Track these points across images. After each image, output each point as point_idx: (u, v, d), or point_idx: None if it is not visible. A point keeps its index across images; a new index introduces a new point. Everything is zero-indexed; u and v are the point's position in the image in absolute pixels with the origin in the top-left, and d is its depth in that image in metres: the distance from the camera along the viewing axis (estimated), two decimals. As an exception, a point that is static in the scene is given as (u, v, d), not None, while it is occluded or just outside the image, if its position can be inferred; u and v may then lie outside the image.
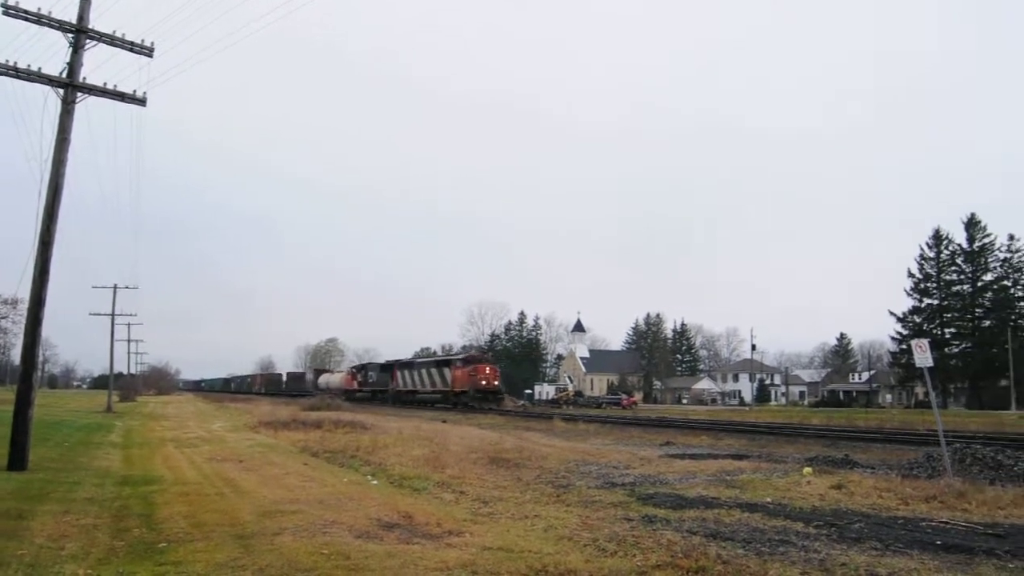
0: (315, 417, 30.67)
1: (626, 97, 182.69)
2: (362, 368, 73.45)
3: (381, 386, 63.44)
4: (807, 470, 13.08)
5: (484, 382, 48.98)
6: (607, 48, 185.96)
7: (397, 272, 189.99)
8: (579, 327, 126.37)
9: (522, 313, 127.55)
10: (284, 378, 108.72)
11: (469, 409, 45.93)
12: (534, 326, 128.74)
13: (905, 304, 79.39)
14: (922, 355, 12.66)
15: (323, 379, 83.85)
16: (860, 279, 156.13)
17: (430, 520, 8.82)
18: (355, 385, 70.58)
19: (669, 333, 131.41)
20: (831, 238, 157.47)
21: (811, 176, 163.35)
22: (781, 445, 20.79)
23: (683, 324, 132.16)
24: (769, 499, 10.50)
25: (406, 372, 59.46)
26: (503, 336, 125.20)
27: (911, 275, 78.95)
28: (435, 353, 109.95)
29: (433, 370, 54.94)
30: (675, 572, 6.40)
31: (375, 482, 12.72)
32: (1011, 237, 73.72)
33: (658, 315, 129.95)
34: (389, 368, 63.74)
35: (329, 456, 16.80)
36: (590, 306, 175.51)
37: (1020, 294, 73.20)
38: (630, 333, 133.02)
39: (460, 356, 54.30)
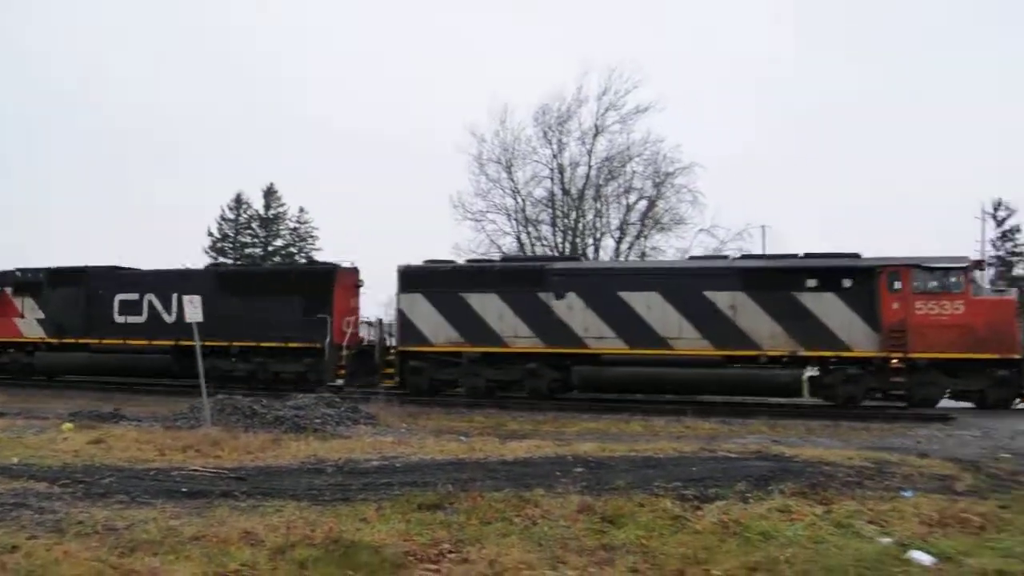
0: None
1: None
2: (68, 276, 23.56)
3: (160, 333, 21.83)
4: (67, 425, 12.48)
5: None
6: None
7: None
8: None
9: None
10: None
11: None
12: None
13: (203, 261, 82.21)
14: (193, 310, 13.33)
15: None
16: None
17: None
18: (18, 328, 23.75)
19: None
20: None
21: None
22: (47, 400, 19.37)
23: None
24: (16, 459, 9.62)
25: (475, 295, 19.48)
26: None
27: (210, 234, 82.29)
28: None
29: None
30: None
31: None
32: (301, 209, 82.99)
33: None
34: (235, 283, 22.17)
35: None
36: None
37: (303, 260, 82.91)
38: None
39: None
